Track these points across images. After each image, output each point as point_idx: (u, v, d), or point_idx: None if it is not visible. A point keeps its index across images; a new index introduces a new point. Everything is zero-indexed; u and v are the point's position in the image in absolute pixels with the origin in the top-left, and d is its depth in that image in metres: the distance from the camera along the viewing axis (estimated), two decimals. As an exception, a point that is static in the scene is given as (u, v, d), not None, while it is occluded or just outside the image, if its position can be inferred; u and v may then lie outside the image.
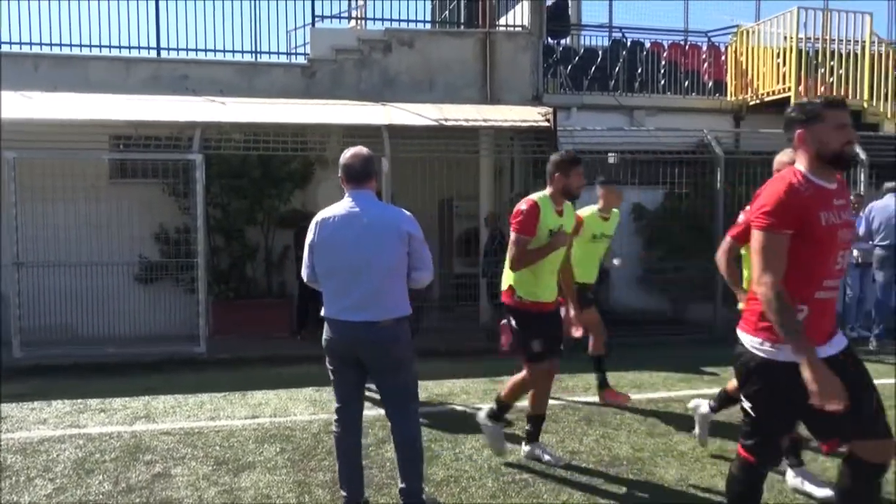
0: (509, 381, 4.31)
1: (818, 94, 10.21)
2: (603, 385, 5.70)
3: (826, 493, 3.69)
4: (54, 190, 8.08)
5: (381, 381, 3.52)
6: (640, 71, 11.60)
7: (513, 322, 4.26)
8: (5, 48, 8.95)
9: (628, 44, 12.28)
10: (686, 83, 11.62)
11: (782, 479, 3.99)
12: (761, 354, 2.61)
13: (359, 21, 10.54)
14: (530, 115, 8.91)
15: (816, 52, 10.29)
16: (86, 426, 5.24)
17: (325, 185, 8.36)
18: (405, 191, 8.54)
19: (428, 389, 6.10)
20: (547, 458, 4.33)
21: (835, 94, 10.20)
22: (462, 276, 9.87)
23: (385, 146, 8.13)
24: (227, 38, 10.87)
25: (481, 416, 4.39)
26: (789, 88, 9.96)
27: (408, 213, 3.51)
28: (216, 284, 9.05)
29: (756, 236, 2.56)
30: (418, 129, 8.47)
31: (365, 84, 9.50)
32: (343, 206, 3.41)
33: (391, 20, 9.86)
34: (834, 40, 10.25)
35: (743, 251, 3.74)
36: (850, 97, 10.16)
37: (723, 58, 11.79)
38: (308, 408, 5.70)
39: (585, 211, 5.57)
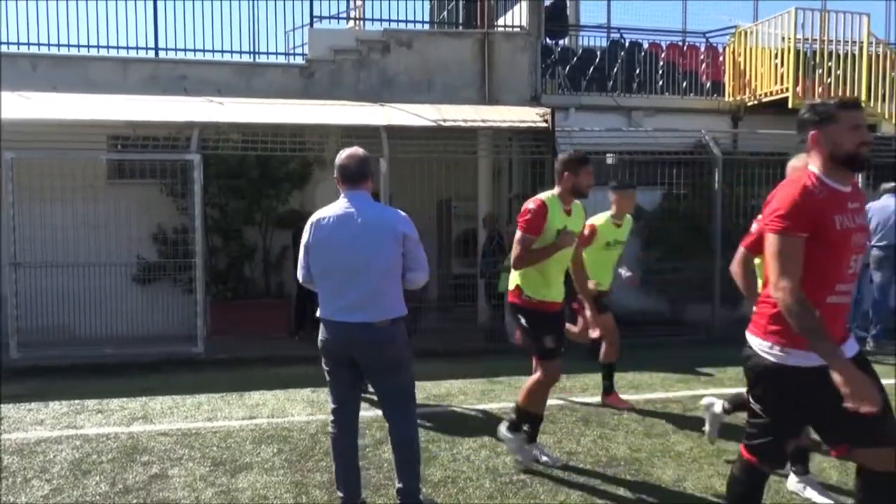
0: (524, 388, 4.25)
1: (816, 94, 10.23)
2: (608, 391, 5.69)
3: (827, 501, 3.68)
4: (52, 190, 8.08)
5: (378, 382, 3.52)
6: (638, 71, 11.61)
7: (522, 321, 4.24)
8: (3, 48, 8.94)
9: (626, 44, 12.29)
10: (684, 84, 11.63)
11: (780, 480, 3.99)
12: (771, 358, 2.58)
13: (357, 21, 10.55)
14: (528, 116, 8.91)
15: (814, 52, 10.30)
16: (83, 427, 5.24)
17: (324, 186, 8.35)
18: (403, 191, 8.54)
19: (426, 390, 6.10)
20: (544, 458, 4.33)
21: (832, 94, 10.22)
22: (460, 277, 9.87)
23: (383, 147, 8.13)
24: (225, 39, 10.92)
25: (502, 430, 4.33)
26: (787, 89, 9.98)
27: (403, 213, 3.50)
28: (214, 285, 9.05)
29: (771, 240, 2.51)
30: (417, 130, 8.47)
31: (363, 84, 9.50)
32: (338, 206, 3.41)
33: (389, 20, 9.86)
34: (832, 41, 10.26)
35: (757, 261, 3.61)
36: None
37: (721, 58, 11.80)
38: (305, 408, 5.70)
39: (599, 218, 5.52)
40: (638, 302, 8.99)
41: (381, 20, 9.92)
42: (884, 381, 2.60)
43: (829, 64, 10.24)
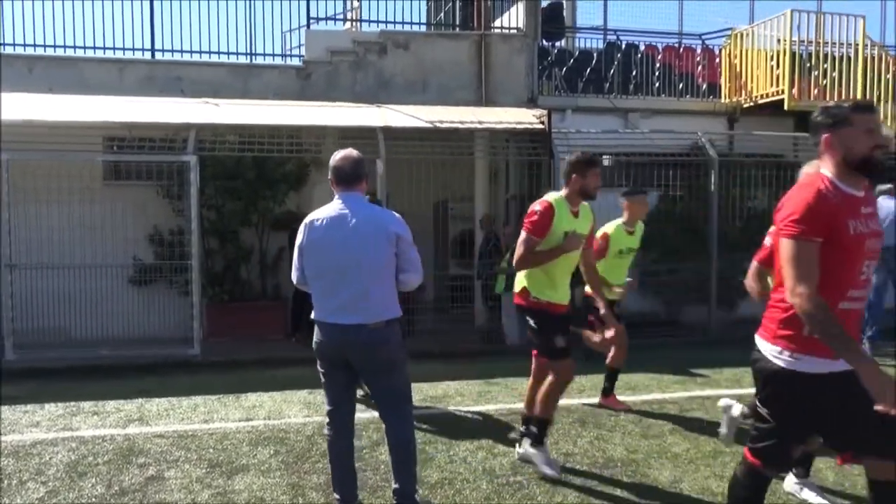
0: (539, 397, 4.19)
1: (811, 96, 10.26)
2: (607, 392, 5.69)
3: (824, 502, 3.68)
4: (48, 191, 8.07)
5: (374, 384, 3.52)
6: (634, 73, 11.63)
7: (531, 322, 4.20)
8: (0, 50, 8.92)
9: (623, 46, 12.30)
10: (680, 85, 11.65)
11: (776, 480, 3.99)
12: (780, 363, 2.55)
13: (354, 23, 10.54)
14: (525, 118, 8.92)
15: (810, 54, 10.33)
16: (79, 429, 5.22)
17: (321, 187, 8.36)
18: (400, 192, 8.54)
19: (422, 391, 6.10)
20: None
21: (828, 96, 10.25)
22: (457, 278, 9.88)
23: (380, 148, 8.13)
24: (221, 40, 10.87)
25: (527, 449, 4.24)
26: (783, 91, 10.00)
27: (397, 214, 3.50)
28: (210, 287, 9.04)
29: (785, 246, 2.45)
30: (413, 131, 8.47)
31: (360, 86, 9.50)
32: (332, 208, 3.41)
33: (386, 22, 9.88)
34: (827, 43, 10.29)
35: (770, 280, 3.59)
36: (842, 100, 10.20)
37: (717, 60, 11.82)
38: (302, 410, 5.69)
39: (610, 226, 5.49)
40: (634, 303, 8.99)
41: (377, 21, 9.95)
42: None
43: (825, 66, 10.27)
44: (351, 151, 3.49)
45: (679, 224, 9.60)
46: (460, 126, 8.60)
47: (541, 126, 8.74)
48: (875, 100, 10.18)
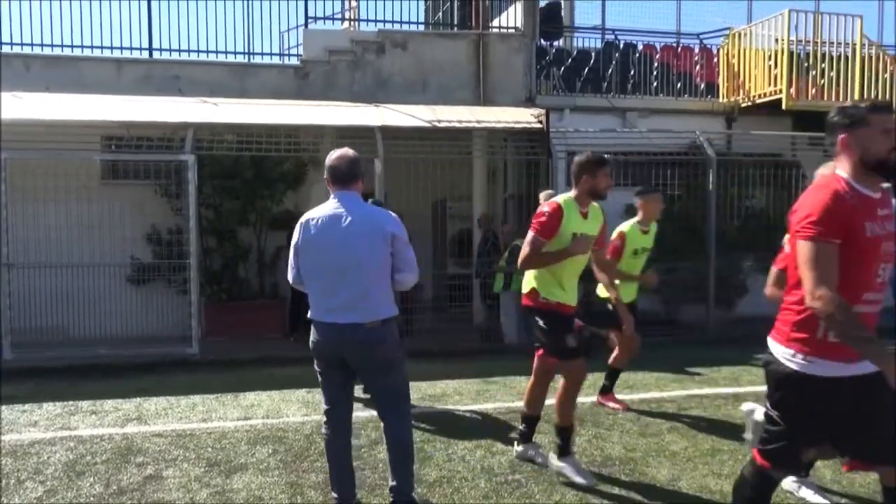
0: (556, 405, 4.14)
1: (809, 96, 10.28)
2: (605, 391, 5.69)
3: (822, 502, 3.69)
4: (45, 190, 8.05)
5: (371, 383, 3.52)
6: (632, 73, 11.63)
7: (540, 323, 4.14)
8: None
9: (621, 46, 12.31)
10: (678, 85, 11.66)
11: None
12: (792, 366, 2.50)
13: (352, 22, 10.54)
14: (523, 117, 8.93)
15: (808, 54, 10.34)
16: (77, 428, 5.22)
17: (318, 187, 8.36)
18: (398, 192, 8.54)
19: (421, 390, 6.10)
20: (540, 459, 4.33)
21: (825, 96, 10.26)
22: (455, 277, 9.87)
23: (378, 147, 8.13)
24: (219, 39, 10.93)
25: (553, 461, 4.15)
26: (781, 90, 10.01)
27: (393, 214, 3.50)
28: (208, 285, 9.04)
29: (803, 248, 2.39)
30: (411, 131, 8.48)
31: (358, 85, 9.50)
32: (328, 207, 3.41)
33: (384, 21, 9.88)
34: (825, 43, 10.30)
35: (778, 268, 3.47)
36: (840, 99, 10.22)
37: (715, 60, 11.84)
38: (300, 409, 5.69)
39: (626, 226, 5.47)
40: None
41: (375, 21, 9.95)
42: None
43: (823, 65, 10.29)
44: (347, 151, 3.49)
45: (677, 223, 9.59)
46: (458, 125, 8.60)
47: (539, 125, 8.75)
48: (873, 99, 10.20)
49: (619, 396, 5.75)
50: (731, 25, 11.46)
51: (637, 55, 12.02)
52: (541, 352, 4.31)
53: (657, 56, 12.23)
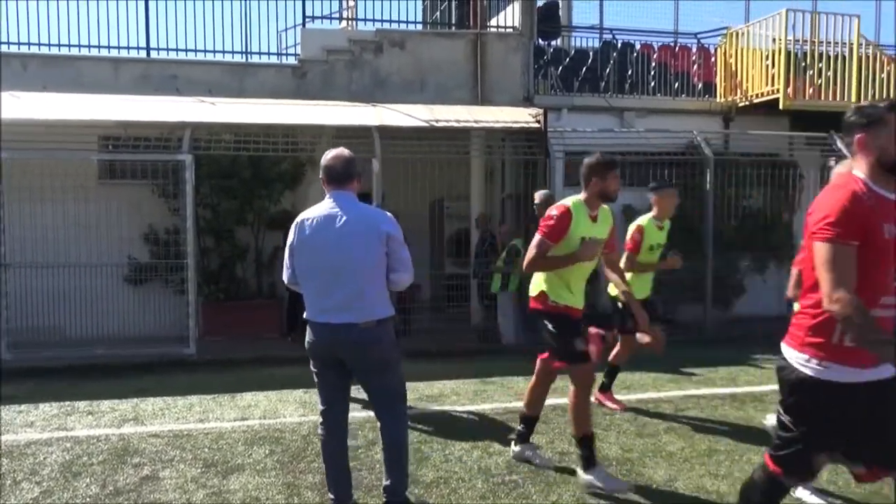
0: (571, 416, 4.06)
1: (807, 96, 10.29)
2: (604, 388, 5.69)
3: (817, 501, 3.69)
4: (42, 190, 8.03)
5: (367, 383, 3.52)
6: (630, 72, 11.64)
7: (549, 326, 4.07)
8: (-2, 48, 8.90)
9: (618, 45, 12.31)
10: (676, 85, 11.67)
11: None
12: (807, 371, 2.45)
13: (350, 21, 10.54)
14: (521, 117, 8.93)
15: (805, 54, 10.36)
16: (73, 429, 5.21)
17: (316, 187, 8.27)
18: (396, 191, 8.54)
19: (418, 390, 6.10)
20: (537, 460, 4.32)
21: (823, 96, 10.28)
22: (453, 277, 9.87)
23: (376, 147, 8.13)
24: (217, 38, 10.86)
25: (581, 476, 3.99)
26: (778, 90, 10.02)
27: (388, 213, 3.50)
28: (206, 285, 9.03)
29: (821, 249, 2.35)
30: (409, 130, 8.47)
31: (356, 85, 9.49)
32: (323, 207, 3.40)
33: (382, 21, 9.87)
34: (822, 42, 10.32)
35: (795, 270, 3.41)
36: (837, 99, 10.24)
37: (712, 59, 11.85)
38: (298, 409, 5.69)
39: (643, 220, 5.46)
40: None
41: (373, 20, 9.93)
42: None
43: (820, 65, 10.30)
44: (342, 150, 3.48)
45: (674, 223, 9.57)
46: (456, 125, 8.60)
47: (537, 125, 8.75)
48: (870, 99, 10.22)
49: (616, 396, 5.75)
50: (729, 25, 11.47)
51: (635, 55, 12.03)
52: (545, 355, 4.27)
53: (655, 56, 12.24)
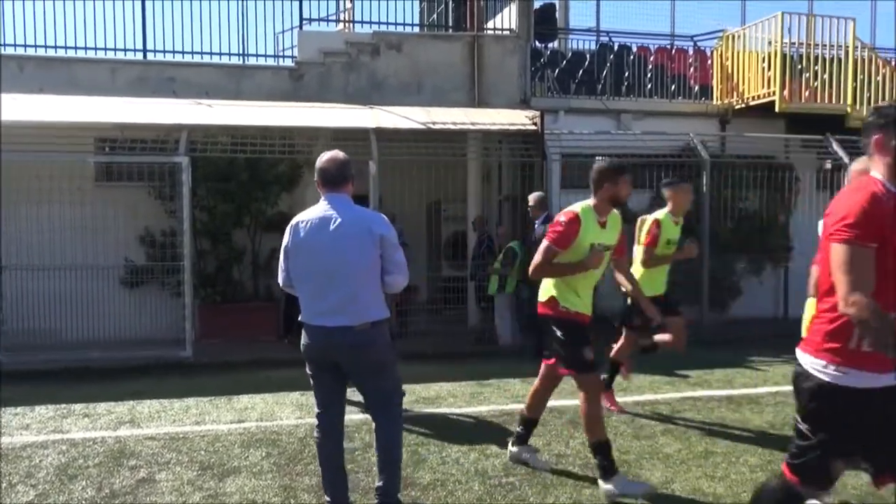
0: (583, 424, 4.01)
1: (802, 98, 10.32)
2: (605, 387, 5.67)
3: (813, 501, 3.70)
4: (39, 192, 8.01)
5: (363, 385, 3.51)
6: (627, 75, 11.66)
7: (558, 333, 4.01)
8: (-6, 50, 8.89)
9: (615, 48, 12.34)
10: (672, 87, 11.70)
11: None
12: (824, 377, 2.40)
13: (346, 24, 10.54)
14: (518, 119, 8.94)
15: (801, 56, 10.39)
16: (69, 431, 5.20)
17: (313, 189, 8.25)
18: (393, 194, 8.54)
19: (415, 393, 6.09)
20: (533, 463, 4.32)
21: (819, 98, 10.31)
22: (450, 280, 9.87)
23: (373, 149, 8.12)
24: (214, 41, 10.84)
25: (601, 485, 3.92)
26: (774, 93, 10.05)
27: (382, 215, 3.50)
28: (202, 288, 9.01)
29: (838, 251, 2.30)
30: (406, 133, 8.48)
31: (353, 87, 9.49)
32: (318, 209, 3.41)
33: (379, 23, 9.88)
34: (818, 45, 10.35)
35: (814, 274, 3.36)
36: (833, 101, 10.28)
37: (709, 62, 11.88)
38: (294, 412, 5.68)
39: (660, 214, 5.42)
40: (625, 304, 9.04)
41: (370, 22, 9.95)
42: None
43: (816, 68, 10.34)
44: (337, 153, 3.49)
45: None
46: (453, 127, 8.60)
47: (533, 127, 8.76)
48: (865, 101, 10.26)
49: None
50: (725, 28, 11.51)
51: (631, 57, 12.05)
52: (551, 361, 4.20)
53: (651, 58, 12.27)
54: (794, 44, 10.26)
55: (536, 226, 7.64)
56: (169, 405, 5.92)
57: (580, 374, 3.96)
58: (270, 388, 6.39)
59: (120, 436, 5.07)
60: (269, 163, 8.86)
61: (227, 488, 4.06)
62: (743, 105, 10.68)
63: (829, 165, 9.76)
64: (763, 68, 10.33)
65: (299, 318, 3.44)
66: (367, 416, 3.79)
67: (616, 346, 5.62)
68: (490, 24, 10.52)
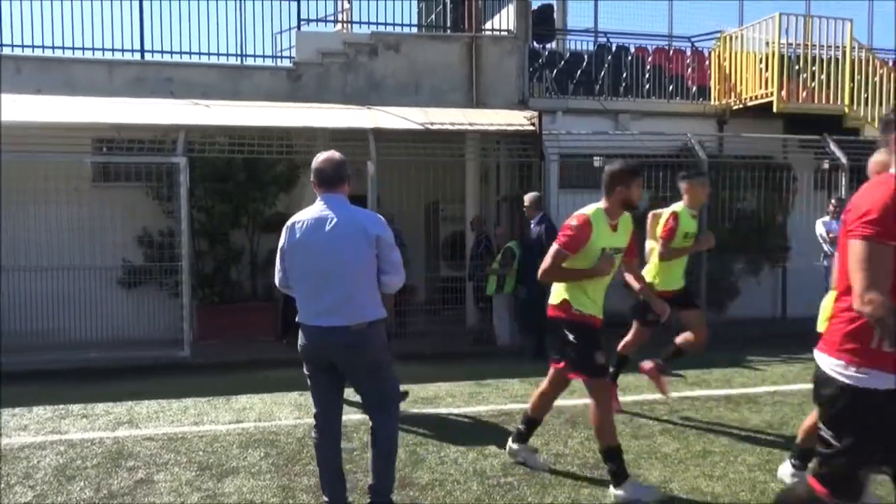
0: (594, 428, 3.98)
1: (800, 99, 10.33)
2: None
3: None
4: (36, 193, 8.00)
5: (359, 385, 3.52)
6: (624, 75, 11.67)
7: (570, 337, 3.97)
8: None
9: (613, 48, 12.34)
10: (670, 88, 11.71)
11: (771, 477, 4.03)
12: (844, 379, 2.35)
13: (345, 24, 10.54)
14: (516, 119, 8.94)
15: (798, 57, 10.41)
16: (67, 432, 5.19)
17: (311, 189, 8.29)
18: (391, 194, 8.54)
19: (413, 393, 6.09)
20: (531, 464, 4.32)
21: (816, 99, 10.32)
22: (448, 280, 9.87)
23: (371, 150, 8.12)
24: (212, 41, 10.87)
25: (612, 491, 3.88)
26: (772, 93, 10.07)
27: (378, 215, 3.51)
28: (200, 288, 9.00)
29: (857, 248, 2.25)
30: (404, 133, 8.48)
31: (351, 87, 9.49)
32: (314, 210, 3.41)
33: (377, 23, 9.88)
34: (815, 46, 10.37)
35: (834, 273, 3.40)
36: (830, 102, 10.30)
37: (706, 63, 11.89)
38: (293, 412, 5.68)
39: (677, 206, 5.38)
40: (624, 303, 9.05)
41: (368, 23, 9.94)
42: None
43: (813, 68, 10.35)
44: (333, 153, 3.49)
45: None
46: (451, 128, 8.61)
47: (531, 128, 8.76)
48: (862, 102, 10.29)
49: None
50: (723, 28, 11.53)
51: (629, 58, 12.05)
52: (560, 364, 4.15)
53: (649, 59, 12.27)
54: (791, 44, 10.28)
55: (532, 226, 7.65)
56: (167, 406, 5.91)
57: (591, 378, 3.91)
58: (269, 389, 6.39)
59: (118, 436, 5.06)
60: (267, 163, 8.86)
61: (226, 489, 4.06)
62: (740, 105, 10.69)
63: (826, 165, 9.79)
64: (761, 69, 10.35)
65: (296, 319, 3.44)
66: (365, 417, 3.79)
67: (624, 340, 5.58)
68: (488, 25, 10.53)
